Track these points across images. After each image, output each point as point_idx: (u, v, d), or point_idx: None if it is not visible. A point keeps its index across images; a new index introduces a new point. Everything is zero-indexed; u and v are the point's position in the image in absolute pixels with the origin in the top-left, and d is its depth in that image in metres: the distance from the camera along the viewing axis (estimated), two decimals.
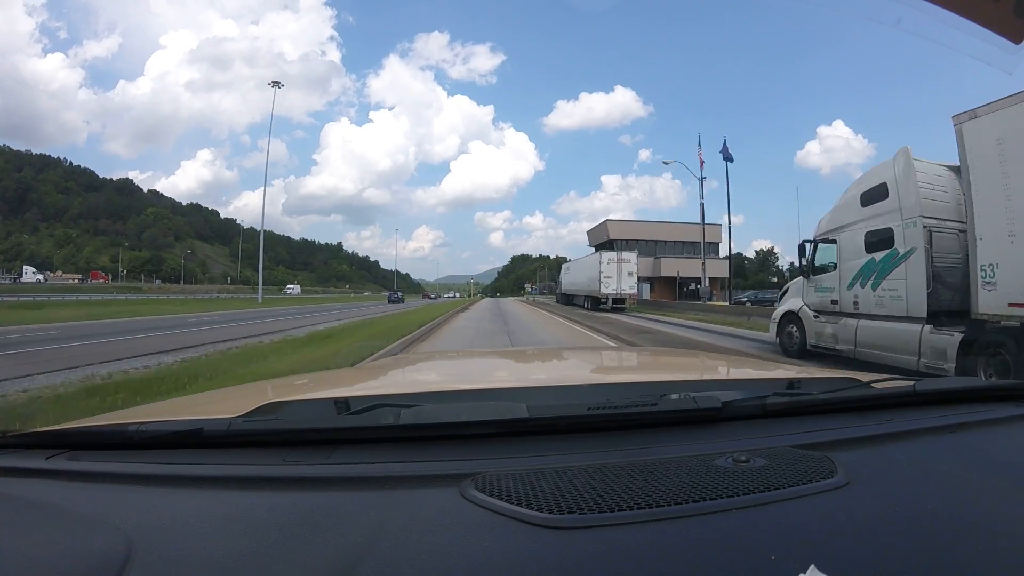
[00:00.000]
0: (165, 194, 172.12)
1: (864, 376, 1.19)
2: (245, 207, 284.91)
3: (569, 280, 37.60)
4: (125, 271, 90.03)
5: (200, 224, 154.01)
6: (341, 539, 0.56)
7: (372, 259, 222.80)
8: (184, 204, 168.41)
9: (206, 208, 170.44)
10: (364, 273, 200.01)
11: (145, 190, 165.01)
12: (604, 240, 49.15)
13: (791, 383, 1.11)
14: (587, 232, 59.72)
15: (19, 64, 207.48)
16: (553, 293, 60.05)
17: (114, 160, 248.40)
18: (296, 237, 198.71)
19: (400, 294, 64.92)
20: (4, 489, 0.73)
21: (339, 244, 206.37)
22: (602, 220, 54.66)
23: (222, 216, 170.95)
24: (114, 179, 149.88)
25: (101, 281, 73.20)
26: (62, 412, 4.00)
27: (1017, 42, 0.88)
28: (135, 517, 0.62)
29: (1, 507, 0.69)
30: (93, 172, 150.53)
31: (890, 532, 0.57)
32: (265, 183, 43.84)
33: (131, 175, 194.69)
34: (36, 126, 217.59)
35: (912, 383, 1.07)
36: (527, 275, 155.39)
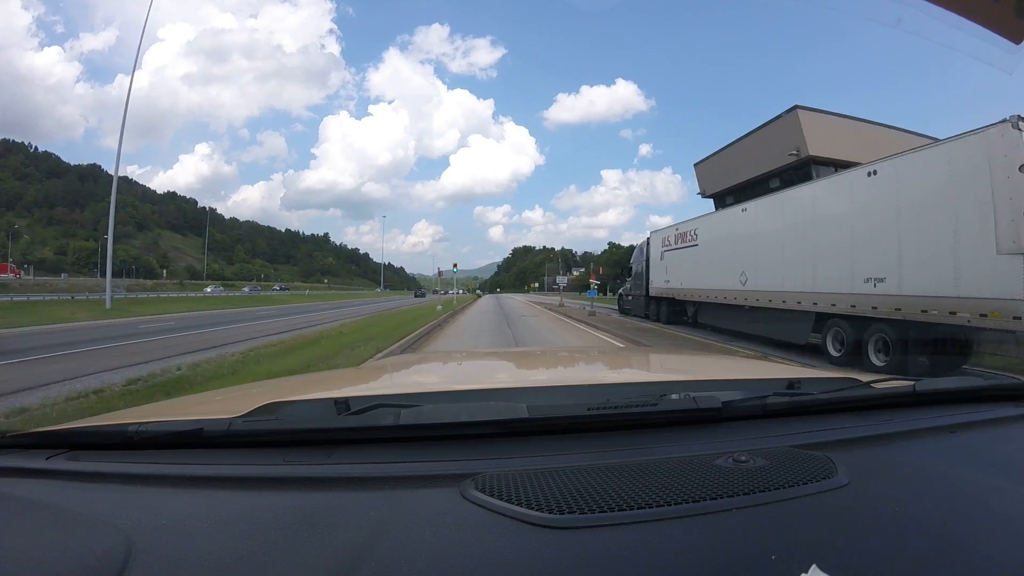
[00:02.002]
0: (139, 182, 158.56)
1: (864, 376, 1.19)
2: (244, 201, 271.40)
3: (698, 259, 14.31)
4: (27, 265, 75.60)
5: (172, 214, 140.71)
6: (341, 539, 0.56)
7: (362, 252, 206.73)
8: (160, 193, 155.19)
9: (181, 197, 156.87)
10: (352, 267, 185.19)
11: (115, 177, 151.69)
12: (794, 159, 13.68)
13: (791, 383, 1.10)
14: (695, 167, 20.07)
15: (15, 59, 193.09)
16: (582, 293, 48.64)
17: (110, 155, 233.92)
18: (301, 232, 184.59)
19: (424, 291, 72.83)
20: (4, 489, 0.73)
21: (326, 235, 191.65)
22: (789, 108, 14.11)
23: (200, 206, 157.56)
24: (83, 165, 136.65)
25: (12, 276, 60.10)
26: None
27: (1017, 42, 0.88)
28: (135, 517, 0.62)
29: (1, 507, 0.69)
30: (58, 158, 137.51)
31: (891, 532, 0.58)
32: (128, 99, 26.84)
33: (129, 169, 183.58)
34: (33, 121, 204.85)
35: (912, 383, 1.06)
36: (531, 268, 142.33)
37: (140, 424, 0.84)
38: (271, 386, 1.59)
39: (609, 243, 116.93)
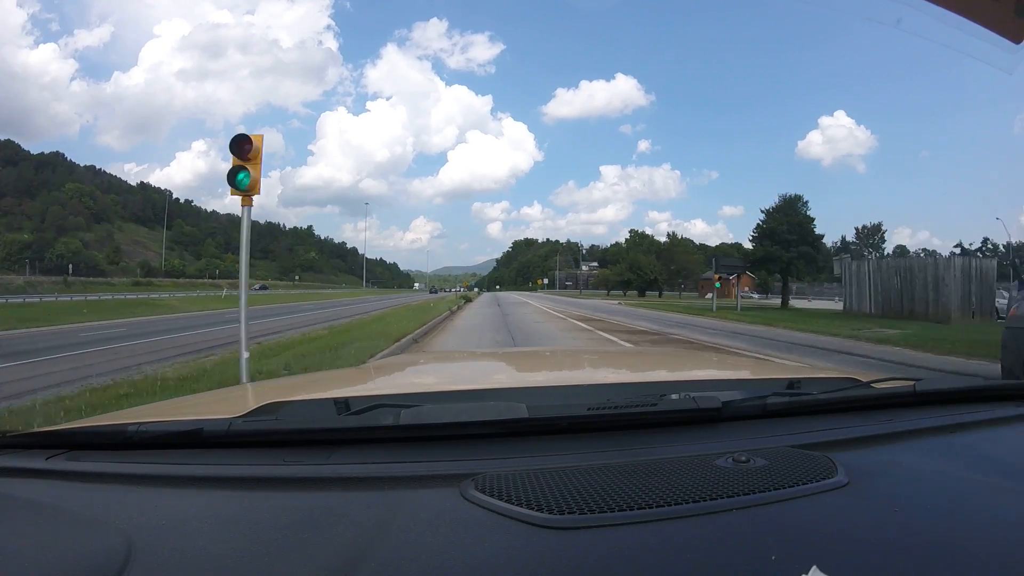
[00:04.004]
0: (108, 171, 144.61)
1: (864, 376, 1.19)
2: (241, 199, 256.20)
3: None
4: None
5: (138, 205, 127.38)
6: (341, 539, 0.56)
7: (350, 246, 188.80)
8: (133, 184, 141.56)
9: (153, 188, 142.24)
10: (338, 262, 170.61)
11: (82, 165, 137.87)
12: None
13: (791, 383, 1.10)
14: None
15: (9, 57, 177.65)
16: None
17: (106, 152, 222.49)
18: (282, 225, 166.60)
19: (436, 288, 67.20)
20: (4, 489, 0.73)
21: (309, 228, 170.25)
22: None
23: (175, 197, 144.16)
24: (45, 153, 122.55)
25: None
26: None
27: (1017, 42, 0.88)
28: (135, 517, 0.62)
29: (1, 507, 0.69)
30: (18, 145, 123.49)
31: (891, 532, 0.58)
32: None
33: (127, 167, 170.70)
34: (27, 119, 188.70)
35: (912, 383, 1.06)
36: (535, 262, 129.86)
37: (140, 424, 0.84)
38: (271, 386, 1.58)
39: (631, 230, 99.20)
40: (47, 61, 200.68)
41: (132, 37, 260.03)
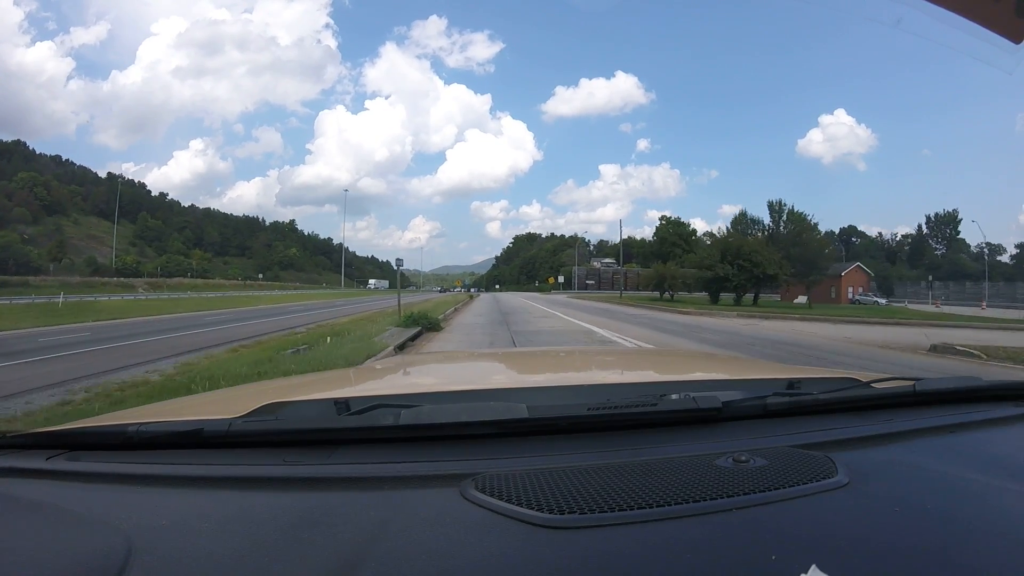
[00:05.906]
0: (78, 162, 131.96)
1: (864, 376, 1.19)
2: (239, 198, 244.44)
3: None
4: None
5: (102, 197, 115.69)
6: (341, 539, 0.56)
7: (336, 242, 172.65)
8: (102, 175, 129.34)
9: (120, 177, 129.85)
10: (323, 260, 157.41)
11: (50, 155, 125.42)
12: None
13: (791, 383, 1.10)
14: None
15: (6, 56, 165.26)
16: None
17: (104, 151, 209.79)
18: (262, 219, 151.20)
19: (442, 287, 69.34)
20: (4, 489, 0.73)
21: (291, 223, 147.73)
22: None
23: (148, 189, 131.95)
24: (4, 141, 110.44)
25: None
26: None
27: (1017, 42, 0.89)
28: (135, 517, 0.62)
29: (1, 507, 0.69)
30: None
31: (891, 532, 0.58)
32: None
33: (125, 167, 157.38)
34: (23, 118, 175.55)
35: (912, 383, 1.06)
36: (541, 257, 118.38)
37: (140, 424, 0.85)
38: (271, 386, 1.58)
39: (662, 216, 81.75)
40: (43, 59, 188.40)
41: (129, 35, 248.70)
